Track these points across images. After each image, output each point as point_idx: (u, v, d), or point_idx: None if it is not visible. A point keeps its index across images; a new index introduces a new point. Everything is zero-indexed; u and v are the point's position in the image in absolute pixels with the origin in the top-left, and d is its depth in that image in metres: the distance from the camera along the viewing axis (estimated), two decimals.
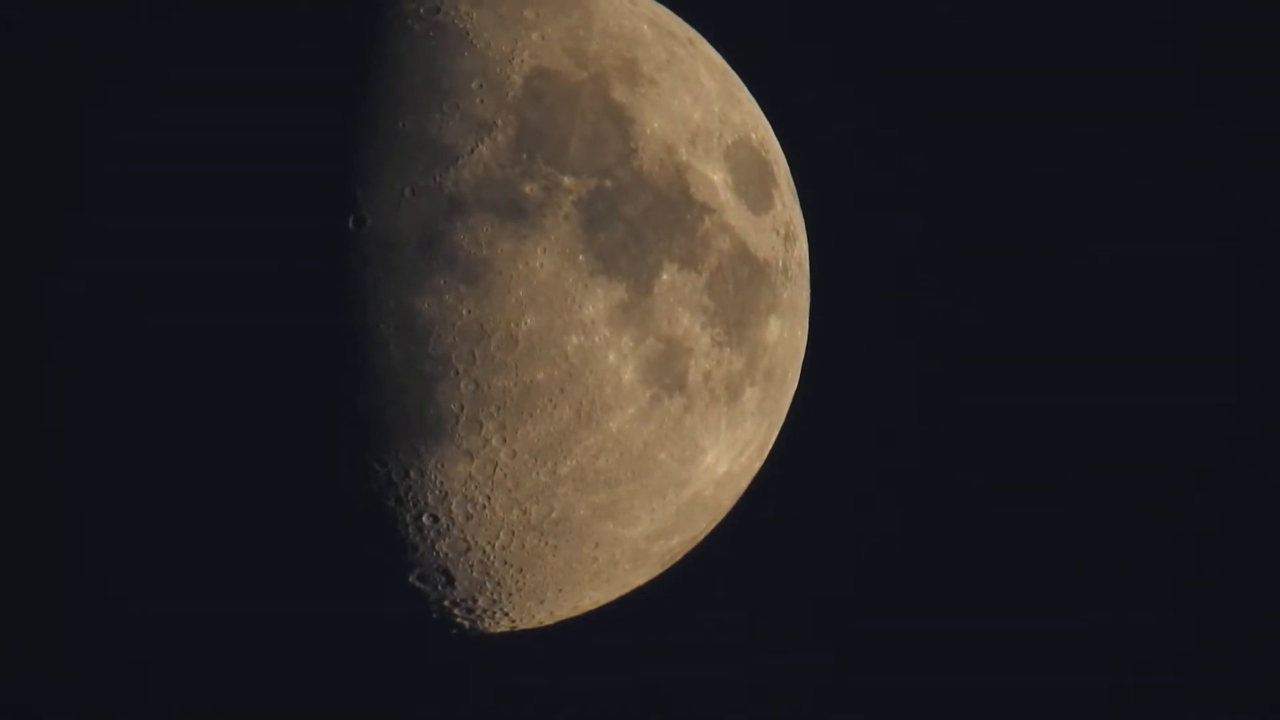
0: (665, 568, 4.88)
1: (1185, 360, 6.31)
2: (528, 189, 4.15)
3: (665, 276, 4.27)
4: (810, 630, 6.12)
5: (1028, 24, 6.37)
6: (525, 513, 4.30)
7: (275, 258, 4.12)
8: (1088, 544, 6.25)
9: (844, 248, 5.68)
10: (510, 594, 4.52)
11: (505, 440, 4.18)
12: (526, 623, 4.73)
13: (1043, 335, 6.30)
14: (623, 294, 4.21)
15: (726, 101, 4.61)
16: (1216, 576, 6.20)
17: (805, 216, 4.91)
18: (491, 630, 4.72)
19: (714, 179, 4.43)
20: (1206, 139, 6.35)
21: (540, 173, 4.16)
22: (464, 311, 4.10)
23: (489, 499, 4.26)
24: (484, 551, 4.36)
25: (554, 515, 4.33)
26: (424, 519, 4.28)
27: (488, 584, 4.46)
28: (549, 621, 4.80)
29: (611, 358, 4.21)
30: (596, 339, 4.19)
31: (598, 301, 4.18)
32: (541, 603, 4.61)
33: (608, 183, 4.23)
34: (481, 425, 4.16)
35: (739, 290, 4.43)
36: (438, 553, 4.35)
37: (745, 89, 4.84)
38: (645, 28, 4.53)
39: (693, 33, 4.77)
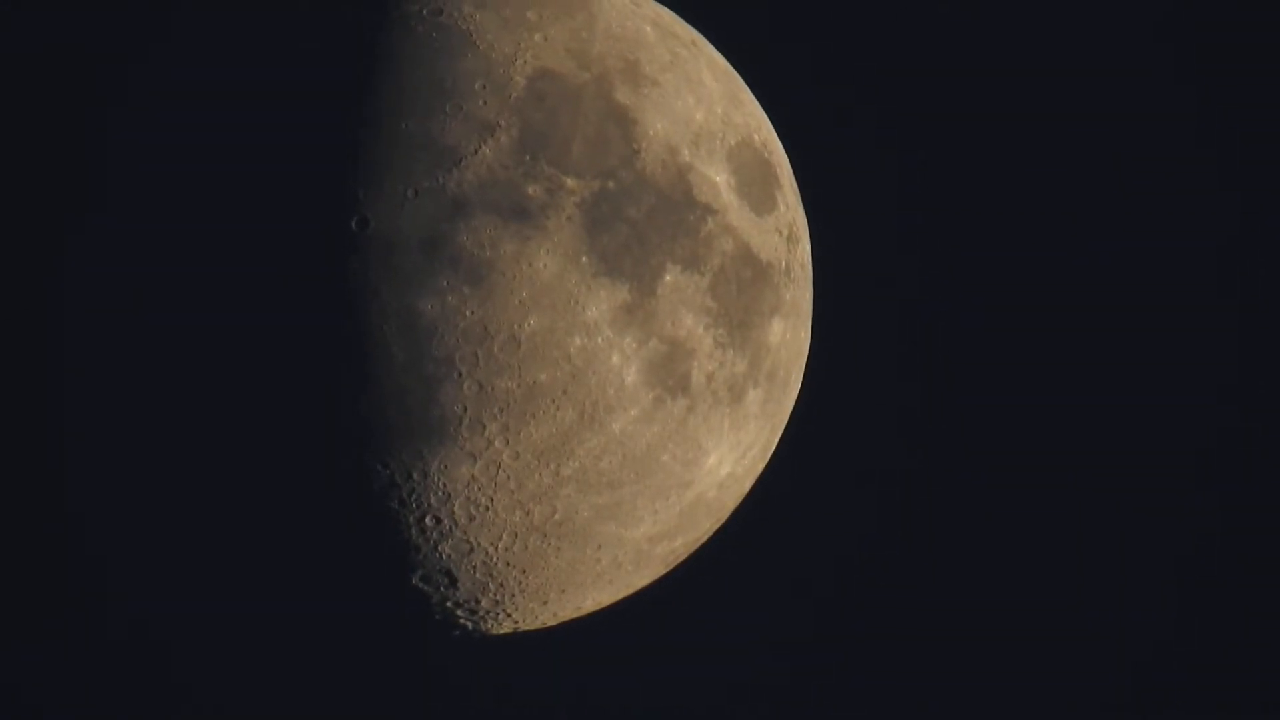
0: (668, 569, 4.89)
1: (1185, 360, 6.31)
2: (531, 190, 4.14)
3: (668, 278, 4.27)
4: (812, 631, 6.13)
5: (1028, 24, 6.38)
6: (528, 514, 4.30)
7: (278, 259, 4.12)
8: (1088, 544, 6.25)
9: (847, 249, 5.69)
10: (513, 595, 4.52)
11: (508, 442, 4.18)
12: (529, 624, 4.73)
13: (1043, 335, 6.31)
14: (626, 295, 4.21)
15: (729, 103, 4.61)
16: (1216, 576, 6.21)
17: (808, 218, 4.91)
18: (494, 631, 4.72)
19: (717, 180, 4.43)
20: (1206, 139, 6.35)
21: (543, 174, 4.16)
22: (467, 313, 4.10)
23: (492, 500, 4.26)
24: (487, 553, 4.36)
25: (557, 516, 4.33)
26: (427, 520, 4.28)
27: (490, 585, 4.46)
28: (552, 623, 4.80)
29: (614, 359, 4.21)
30: (599, 340, 4.19)
31: (601, 303, 4.18)
32: (544, 604, 4.61)
33: (611, 184, 4.23)
34: (484, 427, 4.15)
35: (742, 292, 4.43)
36: (440, 554, 4.35)
37: (748, 90, 4.84)
38: (648, 29, 4.53)
39: (695, 34, 4.77)
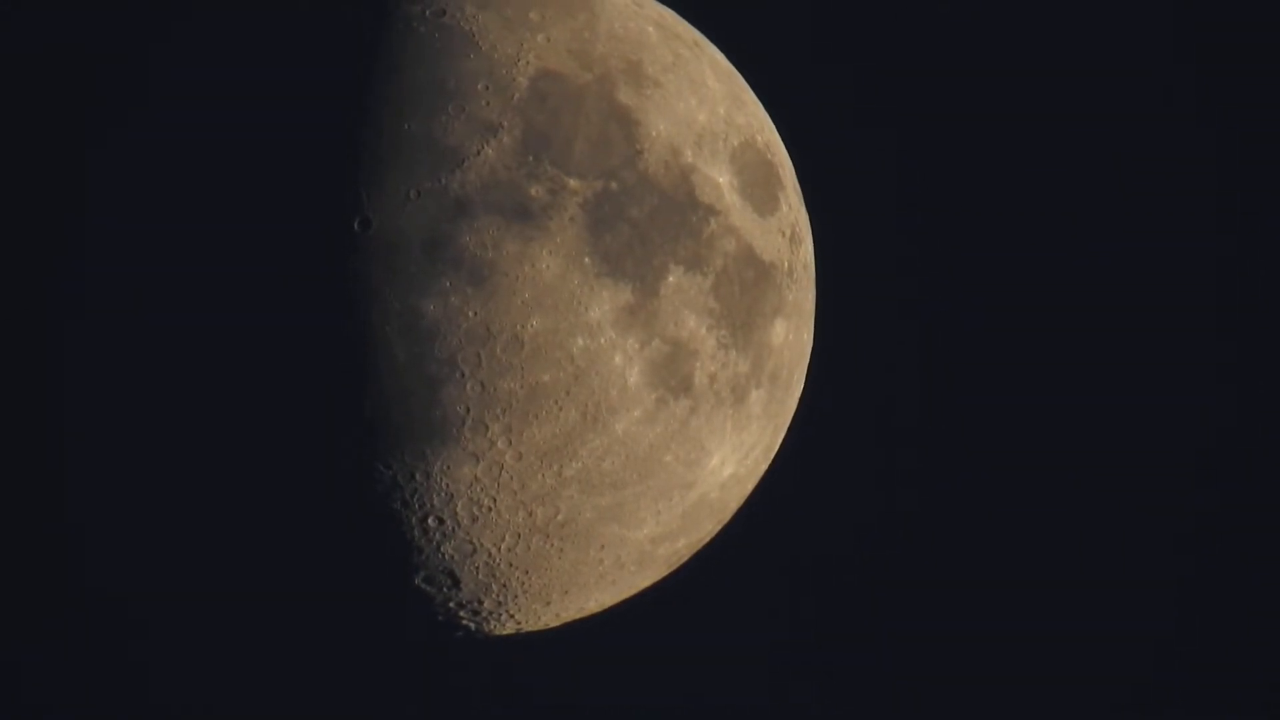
0: (671, 570, 4.89)
1: (1186, 360, 6.32)
2: (533, 191, 4.14)
3: (671, 279, 4.27)
4: (815, 631, 6.13)
5: (1029, 25, 6.38)
6: (531, 515, 4.30)
7: (280, 259, 4.12)
8: (1089, 544, 6.26)
9: (849, 250, 5.70)
10: (516, 596, 4.52)
11: (511, 442, 4.18)
12: (532, 625, 4.73)
13: (1044, 336, 6.31)
14: (628, 296, 4.21)
15: (732, 103, 4.61)
16: (1217, 576, 6.22)
17: (810, 218, 4.92)
18: (497, 632, 4.72)
19: (719, 181, 4.43)
20: (1206, 139, 6.36)
21: (546, 175, 4.16)
22: (470, 313, 4.09)
23: (495, 501, 4.26)
24: (490, 554, 4.36)
25: (560, 517, 4.33)
26: (429, 521, 4.28)
27: (493, 586, 4.46)
28: (554, 624, 4.80)
29: (617, 360, 4.21)
30: (602, 341, 4.19)
31: (603, 303, 4.18)
32: (547, 605, 4.61)
33: (613, 185, 4.23)
34: (487, 427, 4.15)
35: (745, 292, 4.43)
36: (443, 555, 4.35)
37: (750, 91, 4.84)
38: (650, 30, 4.53)
39: (698, 35, 4.77)
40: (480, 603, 4.52)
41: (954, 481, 6.22)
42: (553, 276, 4.13)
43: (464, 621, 4.61)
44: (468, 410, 4.13)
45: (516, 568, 4.41)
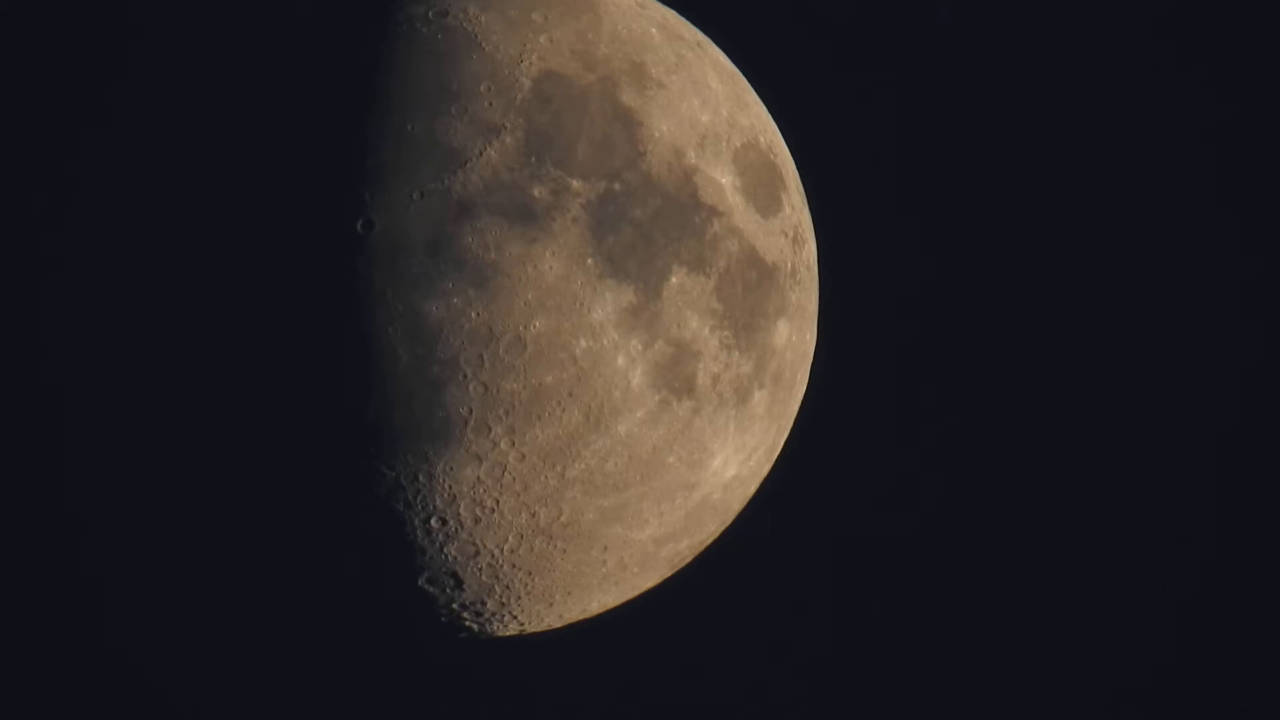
0: (674, 571, 4.88)
1: (1186, 360, 6.32)
2: (536, 192, 4.14)
3: (674, 279, 4.27)
4: (818, 632, 6.13)
5: (1031, 26, 6.38)
6: (534, 516, 4.30)
7: (283, 260, 4.12)
8: (1092, 543, 6.26)
9: (852, 250, 5.70)
10: (519, 597, 4.52)
11: (514, 443, 4.18)
12: (535, 626, 4.73)
13: (1046, 336, 6.31)
14: (631, 297, 4.21)
15: (735, 105, 4.61)
16: (1218, 576, 6.21)
17: (813, 219, 4.91)
18: (500, 633, 4.72)
19: (722, 182, 4.43)
20: (1208, 138, 6.36)
21: (549, 176, 4.16)
22: (473, 315, 4.10)
23: (497, 502, 4.26)
24: (492, 555, 4.36)
25: (562, 518, 4.33)
26: (432, 522, 4.28)
27: (496, 587, 4.46)
28: (557, 624, 4.80)
29: (620, 361, 4.21)
30: (605, 342, 4.19)
31: (606, 305, 4.18)
32: (550, 606, 4.61)
33: (616, 186, 4.23)
34: (490, 428, 4.15)
35: (748, 293, 4.43)
36: (446, 556, 4.35)
37: (753, 92, 4.84)
38: (654, 31, 4.53)
39: (701, 36, 4.77)
40: (483, 604, 4.52)
41: (957, 482, 6.22)
42: (555, 278, 4.13)
43: (467, 622, 4.61)
44: (471, 411, 4.13)
45: (519, 569, 4.41)
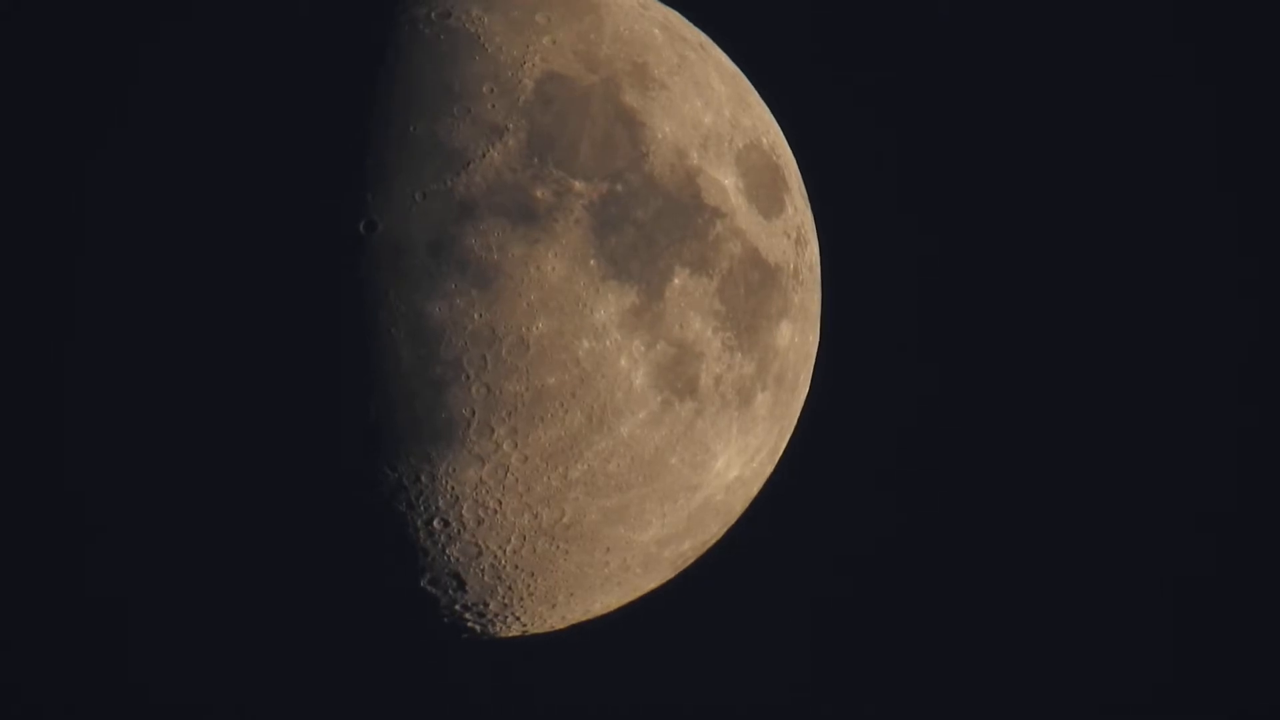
0: (676, 572, 4.88)
1: (1186, 360, 6.32)
2: (539, 193, 4.14)
3: (676, 281, 4.27)
4: (821, 633, 6.13)
5: (1032, 27, 6.38)
6: (536, 517, 4.30)
7: (285, 261, 4.12)
8: (1096, 543, 6.26)
9: (854, 252, 5.69)
10: (521, 598, 4.52)
11: (516, 445, 4.18)
12: (537, 627, 4.73)
13: (1049, 337, 6.31)
14: (634, 298, 4.21)
15: (737, 105, 4.61)
16: (1217, 576, 6.21)
17: (816, 220, 4.91)
18: (502, 634, 4.72)
19: (725, 183, 4.42)
20: (1209, 137, 6.36)
21: (551, 177, 4.16)
22: (475, 316, 4.09)
23: (500, 503, 4.25)
24: (495, 556, 4.36)
25: (565, 520, 4.33)
26: (435, 523, 4.28)
27: (499, 588, 4.46)
28: (560, 626, 4.80)
29: (623, 362, 4.21)
30: (608, 343, 4.19)
31: (609, 306, 4.18)
32: (553, 607, 4.61)
33: (619, 187, 4.23)
34: (493, 430, 4.15)
35: (750, 294, 4.43)
36: (449, 557, 4.35)
37: (756, 93, 4.84)
38: (656, 32, 4.53)
39: (704, 37, 4.77)
40: (486, 605, 4.52)
41: (959, 483, 6.22)
42: (558, 279, 4.13)
43: (470, 623, 4.61)
44: (473, 412, 4.13)
45: (522, 570, 4.41)
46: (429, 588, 4.44)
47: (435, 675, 5.71)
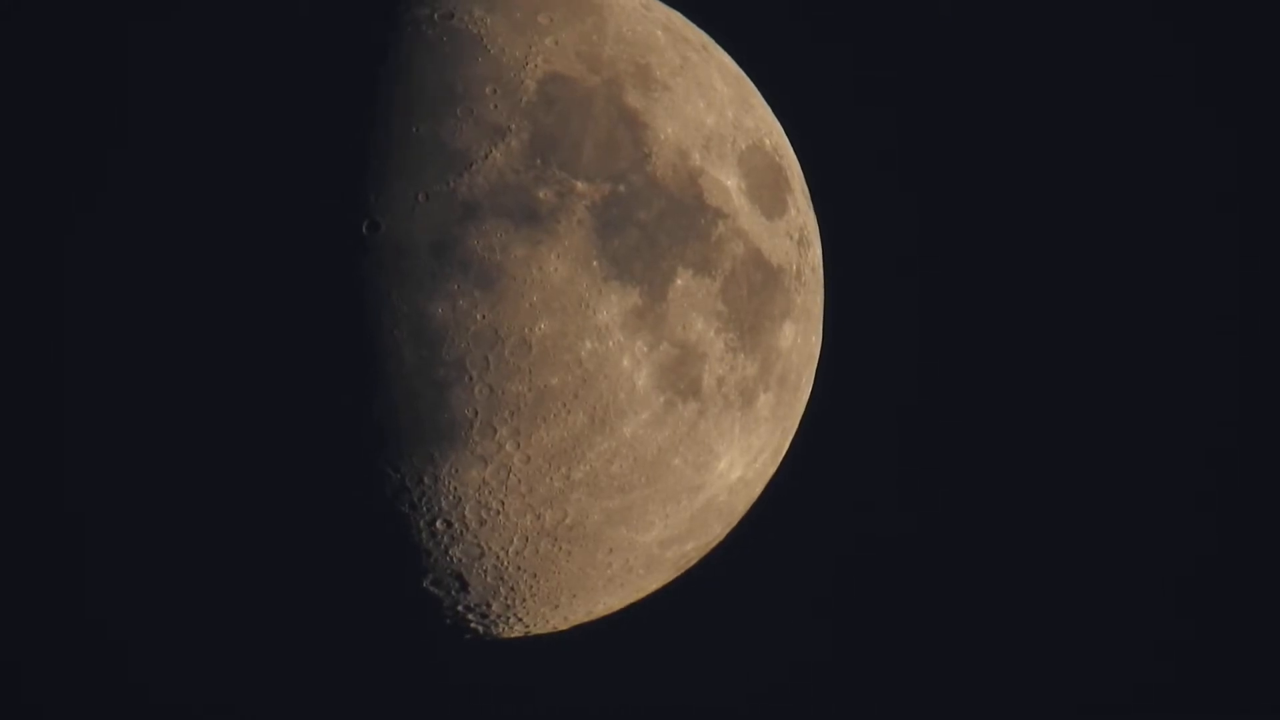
0: (679, 573, 4.88)
1: (1187, 360, 6.31)
2: (541, 194, 4.14)
3: (679, 282, 4.27)
4: (823, 634, 6.13)
5: (1035, 27, 6.38)
6: (539, 518, 4.30)
7: (288, 262, 4.12)
8: (1098, 543, 6.26)
9: (857, 253, 5.69)
10: (524, 599, 4.52)
11: (519, 445, 4.18)
12: (540, 628, 4.73)
13: (1051, 338, 6.31)
14: (636, 299, 4.20)
15: (740, 107, 4.61)
16: (1216, 576, 6.21)
17: (819, 221, 4.91)
18: (505, 635, 4.72)
19: (727, 184, 4.42)
20: (1211, 137, 6.36)
21: (554, 178, 4.16)
22: (478, 317, 4.09)
23: (502, 504, 4.25)
24: (497, 557, 4.36)
25: (568, 520, 4.33)
26: (437, 524, 4.28)
27: (501, 589, 4.46)
28: (563, 627, 4.80)
29: (625, 363, 4.21)
30: (610, 344, 4.19)
31: (611, 307, 4.18)
32: (555, 608, 4.61)
33: (621, 188, 4.23)
34: (495, 430, 4.15)
35: (753, 295, 4.43)
36: (451, 558, 4.35)
37: (758, 94, 4.84)
38: (659, 33, 4.53)
39: (706, 38, 4.77)
40: (488, 606, 4.52)
41: (961, 484, 6.22)
42: (561, 279, 4.13)
43: (472, 624, 4.61)
44: (476, 413, 4.13)
45: (524, 571, 4.41)
46: (432, 589, 4.44)
47: (437, 676, 5.71)
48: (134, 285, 4.33)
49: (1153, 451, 6.30)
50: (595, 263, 4.16)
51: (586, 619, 4.82)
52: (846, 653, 6.13)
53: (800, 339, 4.66)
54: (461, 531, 4.29)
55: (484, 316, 4.09)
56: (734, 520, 4.83)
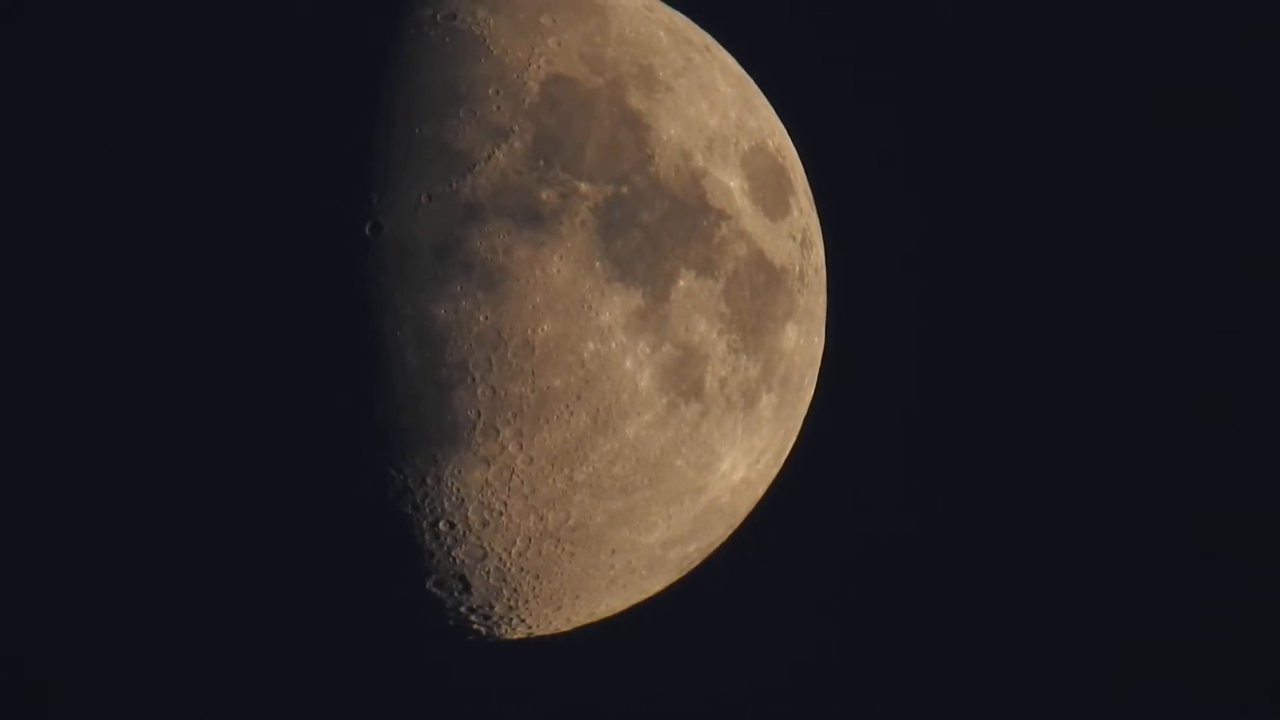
0: (682, 574, 4.88)
1: (1187, 360, 6.31)
2: (544, 195, 4.14)
3: (682, 283, 4.27)
4: (825, 635, 6.13)
5: (1037, 27, 6.38)
6: (542, 519, 4.30)
7: (291, 263, 4.12)
8: (1100, 544, 6.26)
9: (860, 254, 5.69)
10: (527, 600, 4.52)
11: (522, 446, 4.18)
12: (543, 629, 4.73)
13: (1053, 339, 6.31)
14: (639, 300, 4.20)
15: (743, 108, 4.61)
16: (1217, 576, 6.21)
17: (821, 222, 4.91)
18: (508, 636, 4.72)
19: (730, 185, 4.42)
20: (1206, 139, 6.36)
21: (557, 179, 4.16)
22: (481, 318, 4.09)
23: (505, 505, 4.25)
24: (500, 558, 4.36)
25: (570, 522, 4.33)
26: (440, 525, 4.28)
27: (504, 590, 4.46)
28: (565, 628, 4.80)
29: (628, 364, 4.21)
30: (613, 345, 4.19)
31: (614, 308, 4.18)
32: (558, 609, 4.61)
33: (624, 189, 4.22)
34: (498, 432, 4.15)
35: (755, 296, 4.43)
36: (454, 559, 4.35)
37: (761, 95, 4.84)
38: (661, 34, 4.53)
39: (709, 39, 4.77)
40: (491, 607, 4.52)
41: (964, 485, 6.22)
42: (563, 281, 4.13)
43: (475, 625, 4.61)
44: (479, 415, 4.13)
45: (527, 572, 4.41)
46: (434, 590, 4.44)
47: (440, 677, 5.71)
48: (139, 286, 4.34)
49: (1153, 452, 6.30)
50: (598, 264, 4.16)
51: (589, 620, 4.82)
52: (848, 654, 6.13)
53: (803, 340, 4.66)
54: (464, 533, 4.29)
55: (487, 318, 4.09)
56: (736, 521, 4.83)
